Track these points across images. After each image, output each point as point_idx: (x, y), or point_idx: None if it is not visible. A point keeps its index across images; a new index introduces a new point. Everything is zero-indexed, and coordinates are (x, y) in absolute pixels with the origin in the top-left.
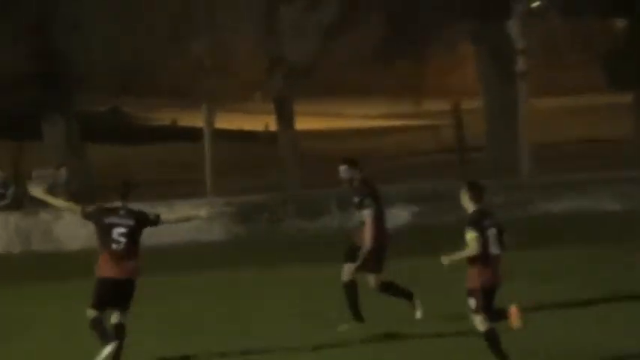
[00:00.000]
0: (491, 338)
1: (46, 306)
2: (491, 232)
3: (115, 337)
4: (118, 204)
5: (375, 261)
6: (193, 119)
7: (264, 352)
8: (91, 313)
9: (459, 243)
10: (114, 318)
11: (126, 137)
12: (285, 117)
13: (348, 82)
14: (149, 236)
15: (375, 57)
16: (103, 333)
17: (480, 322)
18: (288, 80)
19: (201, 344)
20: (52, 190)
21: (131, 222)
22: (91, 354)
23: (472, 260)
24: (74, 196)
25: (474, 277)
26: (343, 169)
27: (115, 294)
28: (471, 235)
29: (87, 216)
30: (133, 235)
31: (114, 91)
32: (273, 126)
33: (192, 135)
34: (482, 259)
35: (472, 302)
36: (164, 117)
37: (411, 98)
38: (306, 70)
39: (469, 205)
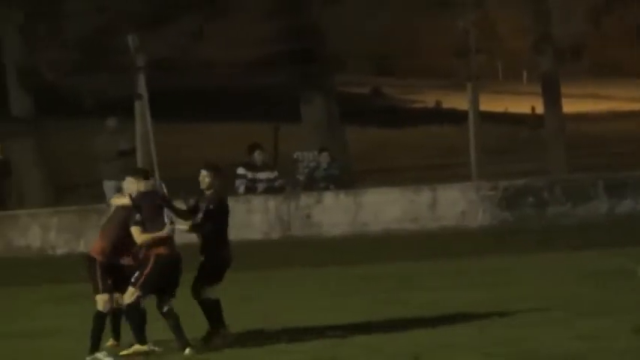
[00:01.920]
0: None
1: (300, 292)
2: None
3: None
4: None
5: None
6: (457, 101)
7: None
8: None
9: None
10: None
11: (387, 119)
12: (552, 98)
13: (614, 64)
14: (413, 220)
15: None
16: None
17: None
18: (556, 60)
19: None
20: (312, 175)
21: None
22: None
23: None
24: (334, 181)
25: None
26: None
27: None
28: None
29: None
30: None
31: (374, 71)
32: (539, 108)
33: (457, 117)
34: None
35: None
36: (427, 99)
37: None
38: (575, 49)
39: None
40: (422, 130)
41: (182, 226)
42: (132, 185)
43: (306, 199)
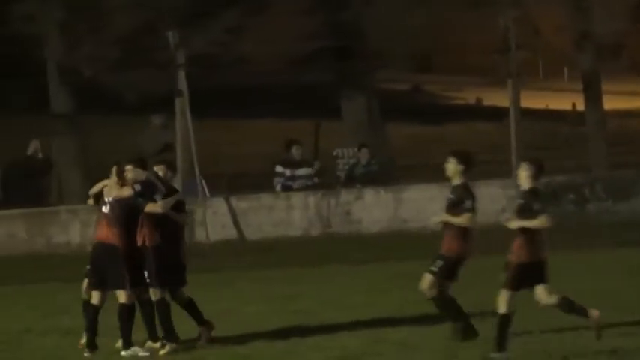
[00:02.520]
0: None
1: (339, 289)
2: None
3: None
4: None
5: None
6: (498, 98)
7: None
8: None
9: None
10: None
11: (427, 116)
12: (593, 95)
13: None
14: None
15: None
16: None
17: None
18: (597, 57)
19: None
20: (352, 172)
21: None
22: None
23: None
24: (373, 177)
25: None
26: None
27: None
28: None
29: None
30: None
31: (415, 68)
32: (579, 105)
33: (497, 114)
34: None
35: None
36: (468, 96)
37: None
38: (616, 47)
39: None
40: (462, 126)
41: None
42: (130, 173)
43: (346, 196)
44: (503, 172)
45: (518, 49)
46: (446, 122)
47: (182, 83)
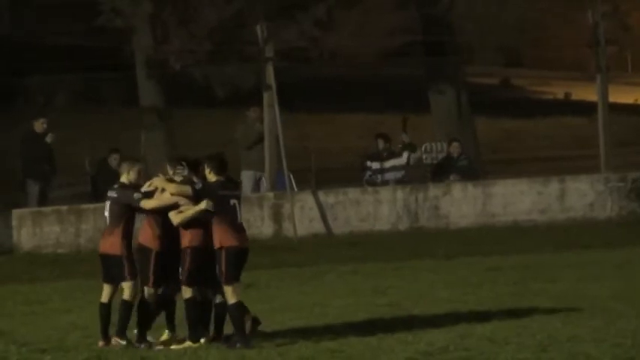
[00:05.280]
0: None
1: (428, 283)
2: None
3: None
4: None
5: None
6: (587, 93)
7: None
8: None
9: None
10: None
11: (516, 111)
12: None
13: None
14: (541, 212)
15: None
16: None
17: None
18: None
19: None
20: (441, 166)
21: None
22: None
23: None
24: (463, 172)
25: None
26: None
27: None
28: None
29: None
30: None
31: (503, 63)
32: None
33: (586, 109)
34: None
35: None
36: (556, 90)
37: None
38: None
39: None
40: (551, 121)
41: None
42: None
43: (434, 190)
44: (592, 166)
45: (607, 44)
46: (535, 116)
47: (270, 77)
